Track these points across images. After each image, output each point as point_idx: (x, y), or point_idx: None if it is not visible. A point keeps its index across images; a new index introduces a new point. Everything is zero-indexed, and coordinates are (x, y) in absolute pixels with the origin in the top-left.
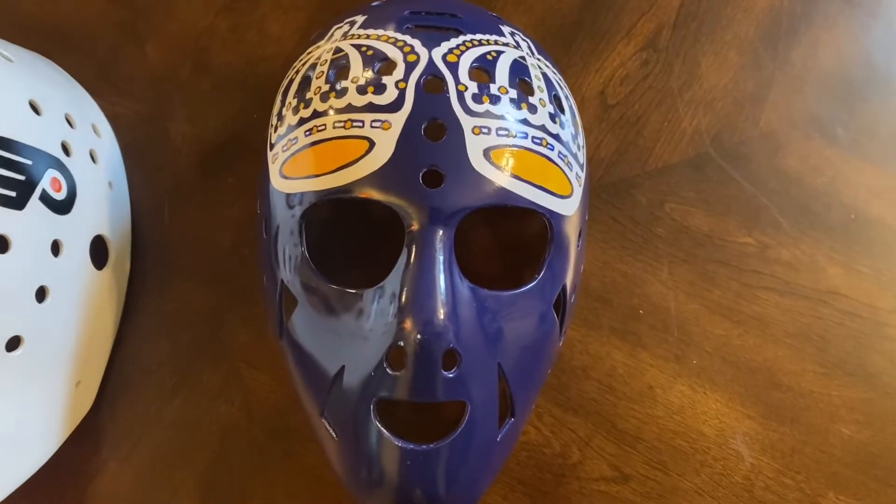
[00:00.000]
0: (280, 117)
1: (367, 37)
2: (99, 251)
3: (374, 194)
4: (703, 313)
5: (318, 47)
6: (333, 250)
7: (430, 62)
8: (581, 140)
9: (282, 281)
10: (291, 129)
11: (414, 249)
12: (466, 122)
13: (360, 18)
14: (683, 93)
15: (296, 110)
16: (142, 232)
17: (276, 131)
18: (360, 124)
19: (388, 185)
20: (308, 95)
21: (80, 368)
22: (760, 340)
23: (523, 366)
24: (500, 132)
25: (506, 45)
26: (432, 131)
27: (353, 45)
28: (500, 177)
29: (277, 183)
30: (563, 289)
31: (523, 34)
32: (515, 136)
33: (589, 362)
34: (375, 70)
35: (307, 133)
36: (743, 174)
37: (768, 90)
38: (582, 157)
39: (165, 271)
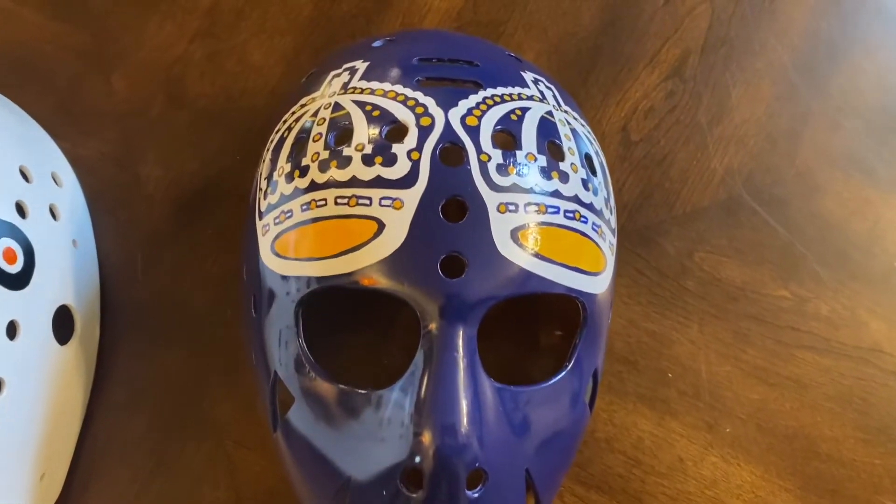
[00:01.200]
0: (270, 182)
1: (372, 92)
2: (63, 323)
3: (385, 284)
4: (737, 376)
5: (313, 99)
6: (335, 341)
7: (448, 127)
8: (612, 200)
9: (275, 372)
10: (285, 199)
11: (433, 352)
12: (491, 199)
13: (361, 66)
14: (713, 127)
15: (290, 177)
16: (112, 293)
17: (265, 197)
18: (367, 202)
19: (400, 275)
20: (304, 161)
21: (45, 459)
22: (798, 405)
23: (552, 465)
24: (528, 209)
25: (530, 97)
26: (452, 211)
27: (355, 102)
28: (530, 261)
29: (269, 260)
30: (595, 371)
31: (547, 80)
32: (546, 212)
33: (614, 433)
34: (383, 135)
35: (304, 207)
36: (778, 219)
37: (804, 125)
38: (613, 220)
39: (139, 337)
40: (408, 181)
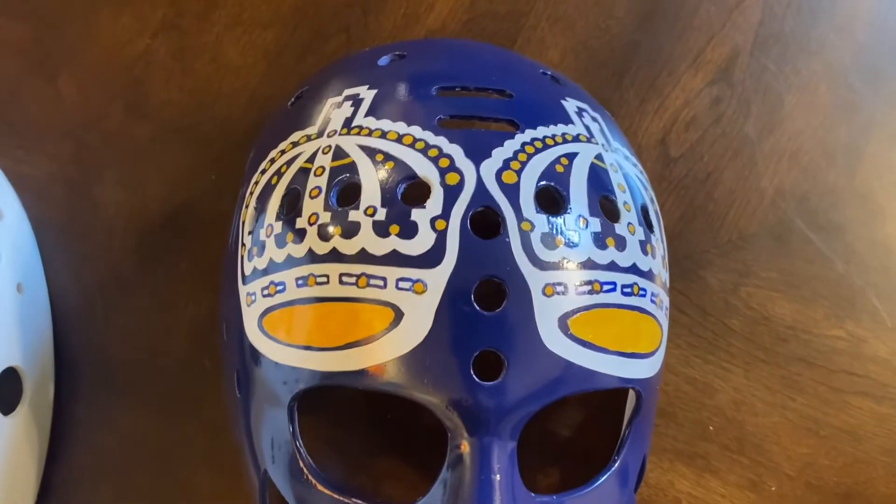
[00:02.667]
0: (256, 240)
1: (383, 134)
2: (9, 389)
3: (403, 388)
4: (785, 427)
5: (308, 137)
6: (340, 443)
7: (480, 186)
8: (666, 252)
9: (265, 471)
10: (276, 267)
11: (465, 474)
12: (535, 280)
13: (366, 94)
14: (763, 141)
15: (281, 241)
16: (67, 344)
17: (250, 258)
18: (381, 283)
19: (423, 377)
20: (299, 223)
21: None
22: (851, 459)
23: None
24: (581, 289)
25: (576, 137)
26: (487, 296)
27: (361, 148)
28: (583, 354)
29: (257, 339)
30: (644, 457)
31: (591, 107)
32: (601, 291)
33: (648, 495)
34: (399, 195)
35: (300, 282)
36: (834, 247)
37: (866, 138)
38: (667, 275)
39: (101, 394)
40: (432, 258)
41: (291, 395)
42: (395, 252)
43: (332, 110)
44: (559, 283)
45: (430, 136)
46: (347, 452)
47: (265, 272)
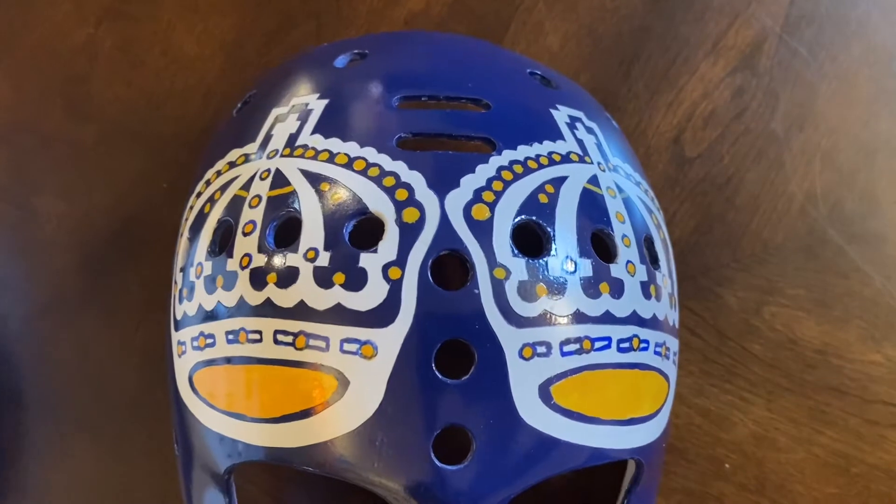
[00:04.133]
0: (187, 280)
1: (331, 157)
2: None
3: (351, 472)
4: (811, 464)
5: (246, 157)
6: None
7: (445, 224)
8: (675, 285)
9: None
10: (205, 316)
11: None
12: (510, 340)
13: (316, 105)
14: (792, 138)
15: (210, 285)
16: (8, 373)
17: (180, 300)
18: (323, 345)
19: (373, 460)
20: (230, 265)
21: None
22: (886, 501)
23: None
24: (567, 348)
25: (566, 157)
26: (452, 360)
27: (304, 174)
28: (570, 428)
29: (188, 398)
30: None
31: (588, 115)
32: (593, 350)
33: None
34: (346, 235)
35: (230, 338)
36: (872, 261)
37: None
38: (677, 313)
39: (49, 429)
40: (383, 315)
41: (225, 468)
42: (339, 306)
43: (276, 124)
44: (540, 343)
45: (386, 161)
46: None
47: (195, 321)
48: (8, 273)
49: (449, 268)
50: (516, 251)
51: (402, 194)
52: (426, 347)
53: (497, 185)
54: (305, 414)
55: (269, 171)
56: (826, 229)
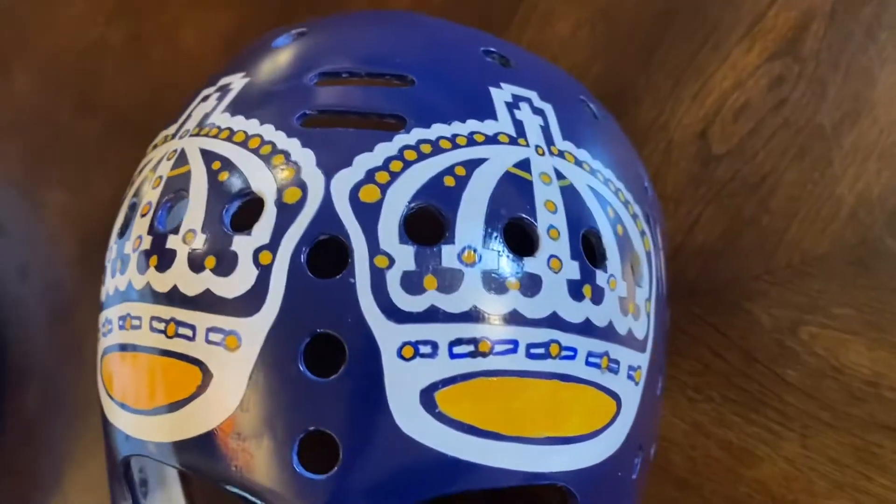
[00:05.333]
0: (105, 264)
1: (231, 134)
2: None
3: (212, 475)
4: None
5: (166, 138)
6: None
7: (326, 205)
8: (652, 275)
9: None
10: (108, 300)
11: None
12: (388, 336)
13: (236, 84)
14: (843, 134)
15: (113, 267)
16: (13, 363)
17: (103, 282)
18: (190, 333)
19: (231, 463)
20: (126, 248)
21: None
22: None
23: None
24: (457, 349)
25: (493, 138)
26: (324, 357)
27: (202, 153)
28: (460, 442)
29: (99, 382)
30: None
31: (544, 94)
32: (492, 354)
33: None
34: (227, 217)
35: (120, 323)
36: None
37: None
38: (647, 321)
39: (45, 415)
40: (249, 304)
41: (120, 458)
42: (208, 292)
43: (199, 105)
44: (425, 342)
45: (280, 138)
46: None
47: (103, 304)
48: (13, 261)
49: (330, 257)
50: (406, 239)
51: (287, 173)
52: (291, 341)
53: (395, 166)
54: (173, 407)
55: (175, 151)
56: (883, 239)
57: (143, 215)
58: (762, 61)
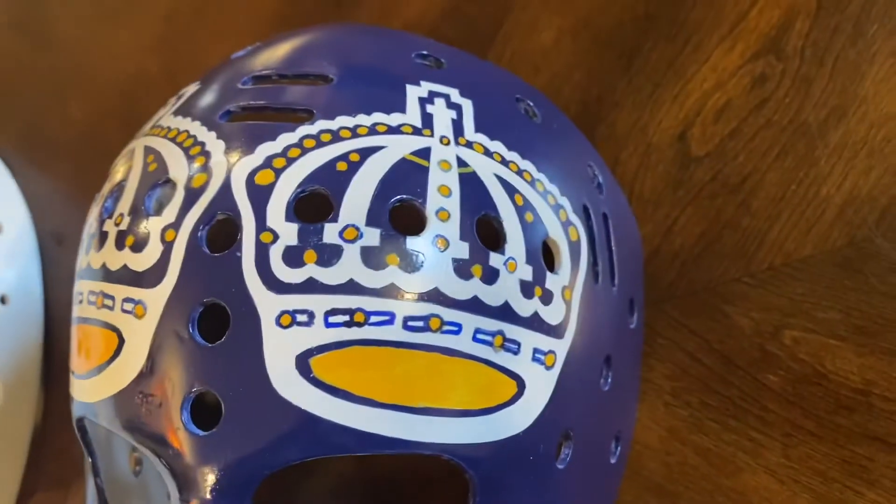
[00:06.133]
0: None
1: (167, 132)
2: None
3: (123, 432)
4: None
5: (135, 138)
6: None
7: (225, 188)
8: (580, 265)
9: None
10: (77, 276)
11: None
12: (267, 305)
13: (190, 90)
14: (829, 131)
15: (84, 249)
16: (60, 355)
17: None
18: (111, 303)
19: (134, 420)
20: (84, 234)
21: None
22: None
23: None
24: (334, 320)
25: (395, 129)
26: (208, 324)
27: (145, 150)
28: (333, 406)
29: None
30: None
31: (466, 92)
32: (367, 324)
33: None
34: (147, 202)
35: (75, 299)
36: None
37: None
38: (577, 298)
39: None
40: (154, 276)
41: (74, 423)
42: (125, 267)
43: (162, 110)
44: (301, 311)
45: (202, 132)
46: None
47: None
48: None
49: (221, 235)
50: (293, 217)
51: (199, 161)
52: (184, 308)
53: (293, 153)
54: (97, 371)
55: (130, 150)
56: (873, 239)
57: (98, 203)
58: (744, 61)
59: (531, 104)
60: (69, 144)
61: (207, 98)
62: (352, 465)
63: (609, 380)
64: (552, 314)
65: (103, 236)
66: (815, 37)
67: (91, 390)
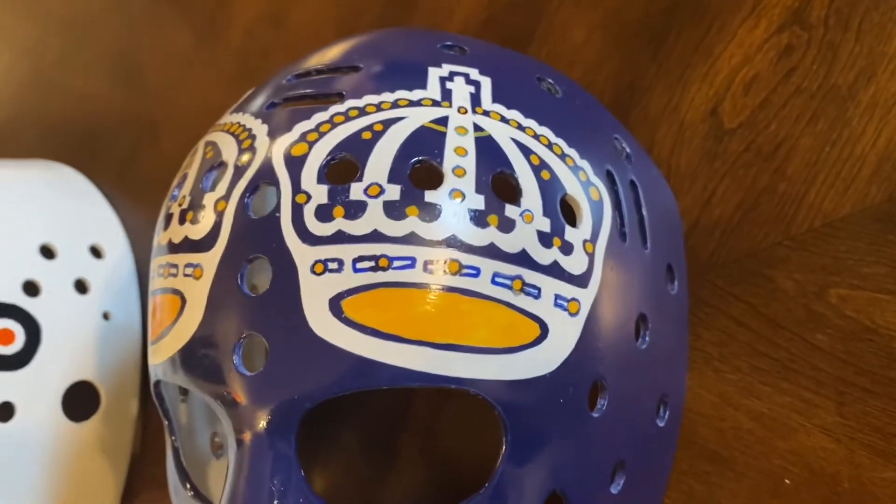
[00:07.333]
0: None
1: (224, 126)
2: (82, 399)
3: (189, 383)
4: None
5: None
6: None
7: (267, 162)
8: (602, 222)
9: None
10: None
11: (234, 466)
12: (303, 256)
13: (251, 92)
14: (858, 92)
15: (156, 234)
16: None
17: None
18: (174, 271)
19: (196, 369)
20: (160, 219)
21: None
22: None
23: None
24: (360, 265)
25: (416, 102)
26: (253, 277)
27: (205, 143)
28: (362, 342)
29: None
30: (561, 493)
31: (485, 71)
32: (391, 268)
33: None
34: (206, 184)
35: (151, 276)
36: None
37: None
38: (600, 253)
39: None
40: (209, 242)
41: (153, 387)
42: (186, 239)
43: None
44: (332, 260)
45: (251, 121)
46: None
47: None
48: None
49: (263, 202)
50: (323, 180)
51: (246, 143)
52: (235, 266)
53: (324, 128)
54: (164, 333)
55: (197, 147)
56: None
57: (171, 190)
58: (769, 35)
59: (552, 82)
60: (162, 176)
61: (258, 96)
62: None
63: (647, 338)
64: (573, 264)
65: (169, 217)
66: (838, 4)
67: (162, 350)
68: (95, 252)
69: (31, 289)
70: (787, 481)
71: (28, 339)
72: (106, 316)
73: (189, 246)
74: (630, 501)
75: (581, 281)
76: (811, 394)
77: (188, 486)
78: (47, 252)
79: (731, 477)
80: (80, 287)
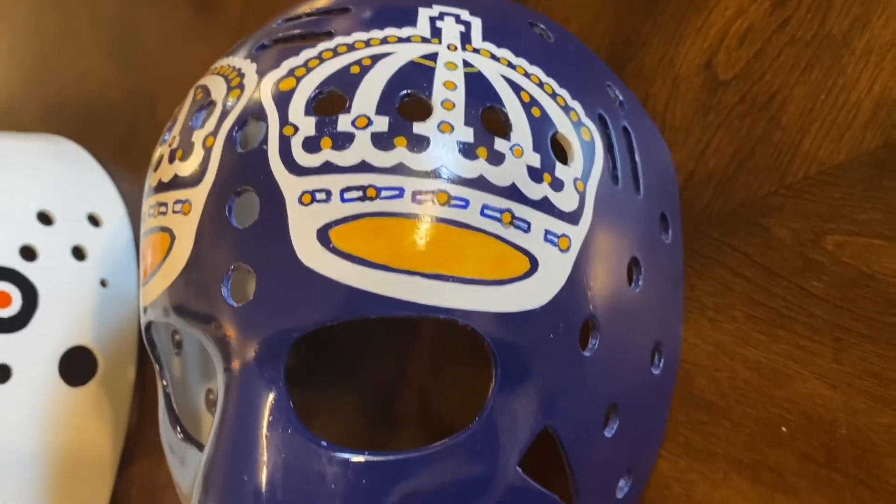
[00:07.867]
0: None
1: (214, 70)
2: (80, 365)
3: (179, 319)
4: None
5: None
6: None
7: (254, 98)
8: (593, 162)
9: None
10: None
11: (223, 396)
12: (290, 187)
13: (246, 38)
14: (853, 39)
15: (147, 179)
16: None
17: None
18: (164, 209)
19: (185, 304)
20: (150, 164)
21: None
22: None
23: None
24: (349, 196)
25: (405, 39)
26: (241, 210)
27: (196, 87)
28: (350, 271)
29: None
30: (554, 431)
31: (476, 11)
32: (378, 198)
33: None
34: (196, 122)
35: (142, 218)
36: None
37: None
38: (591, 191)
39: None
40: (197, 177)
41: (144, 329)
42: (175, 177)
43: None
44: (319, 190)
45: (240, 62)
46: None
47: None
48: None
49: (250, 136)
50: (310, 112)
51: (235, 81)
52: (222, 199)
53: (313, 63)
54: (156, 270)
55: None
56: None
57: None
58: None
59: (544, 27)
60: None
61: (249, 40)
62: None
63: (640, 283)
64: (563, 200)
65: (159, 159)
66: None
67: (152, 289)
68: (93, 220)
69: (28, 253)
70: (783, 429)
71: (25, 302)
72: (103, 283)
73: (178, 183)
74: (624, 447)
75: (572, 218)
76: (808, 341)
77: (178, 429)
78: (45, 218)
79: (728, 426)
80: (78, 254)
